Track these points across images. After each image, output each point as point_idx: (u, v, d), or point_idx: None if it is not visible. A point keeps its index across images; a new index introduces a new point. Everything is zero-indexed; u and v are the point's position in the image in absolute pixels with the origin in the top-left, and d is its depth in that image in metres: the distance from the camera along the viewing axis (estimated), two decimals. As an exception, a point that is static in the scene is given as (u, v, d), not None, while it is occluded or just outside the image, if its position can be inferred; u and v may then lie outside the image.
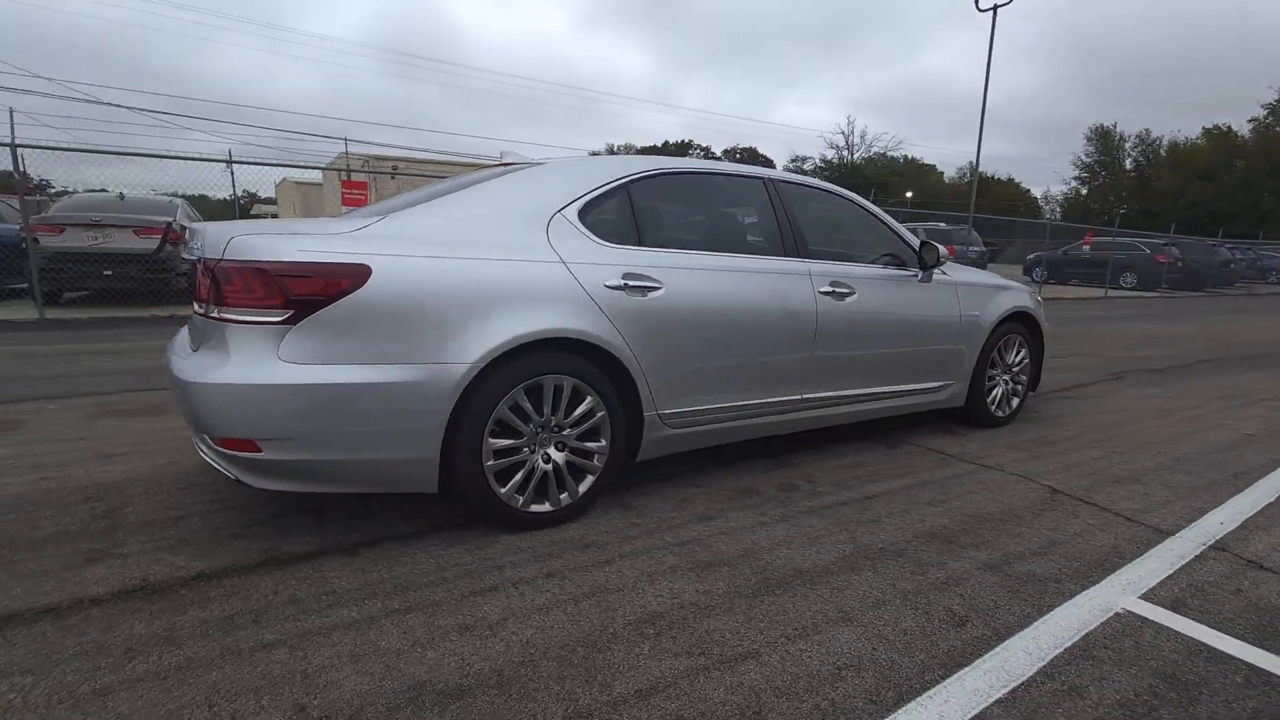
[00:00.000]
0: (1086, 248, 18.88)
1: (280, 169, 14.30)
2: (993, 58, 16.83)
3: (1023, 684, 1.58)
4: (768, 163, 63.25)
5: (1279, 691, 1.58)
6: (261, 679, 1.52)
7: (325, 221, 2.14)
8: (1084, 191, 53.14)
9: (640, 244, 2.53)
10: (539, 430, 2.28)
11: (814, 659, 1.66)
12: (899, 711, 1.48)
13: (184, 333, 2.46)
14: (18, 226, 7.79)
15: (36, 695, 1.45)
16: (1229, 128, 44.95)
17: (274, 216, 26.93)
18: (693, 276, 2.57)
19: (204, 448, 2.09)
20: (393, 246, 2.04)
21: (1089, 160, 52.54)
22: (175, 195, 10.03)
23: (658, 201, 2.78)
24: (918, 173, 57.78)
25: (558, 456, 2.33)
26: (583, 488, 2.40)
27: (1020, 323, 3.88)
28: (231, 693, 1.47)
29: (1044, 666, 1.65)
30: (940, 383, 3.53)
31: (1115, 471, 3.15)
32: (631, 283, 2.40)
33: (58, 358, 5.19)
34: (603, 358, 2.36)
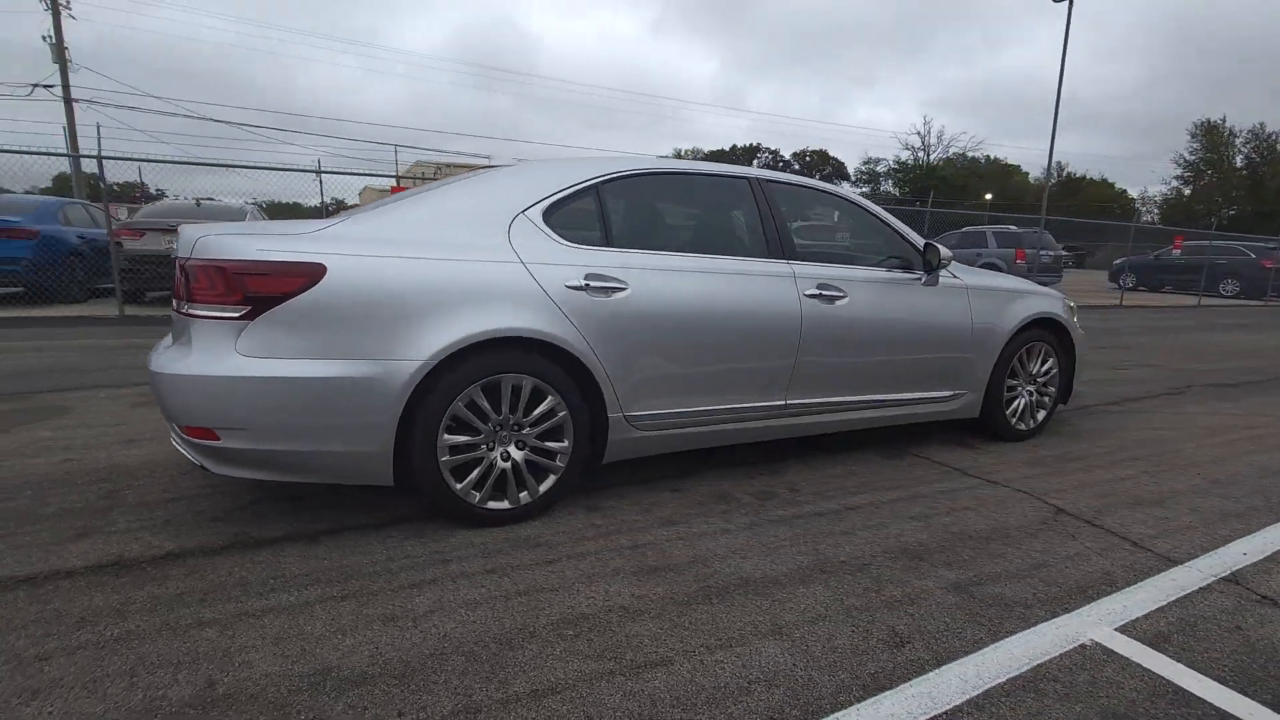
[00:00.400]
0: (1177, 252, 17.48)
1: (363, 178, 15.58)
2: (1068, 51, 15.96)
3: (945, 712, 1.48)
4: (839, 166, 61.83)
5: (1243, 743, 1.42)
6: (185, 655, 1.60)
7: (296, 223, 2.24)
8: (1186, 192, 49.21)
9: (609, 245, 2.52)
10: (497, 428, 2.30)
11: (728, 671, 1.60)
12: (797, 732, 1.41)
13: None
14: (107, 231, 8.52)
15: (-14, 655, 1.58)
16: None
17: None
18: (661, 277, 2.53)
19: (174, 435, 2.22)
20: (350, 246, 2.12)
21: (1192, 158, 48.66)
22: (250, 202, 10.74)
23: (633, 202, 2.76)
24: (1001, 173, 55.13)
25: (517, 455, 2.35)
26: (544, 487, 2.41)
27: (1047, 330, 3.63)
28: (154, 665, 1.56)
29: (975, 696, 1.53)
30: (950, 392, 3.34)
31: (1138, 493, 2.90)
32: (594, 283, 2.39)
33: (122, 351, 5.65)
34: (565, 358, 2.36)
